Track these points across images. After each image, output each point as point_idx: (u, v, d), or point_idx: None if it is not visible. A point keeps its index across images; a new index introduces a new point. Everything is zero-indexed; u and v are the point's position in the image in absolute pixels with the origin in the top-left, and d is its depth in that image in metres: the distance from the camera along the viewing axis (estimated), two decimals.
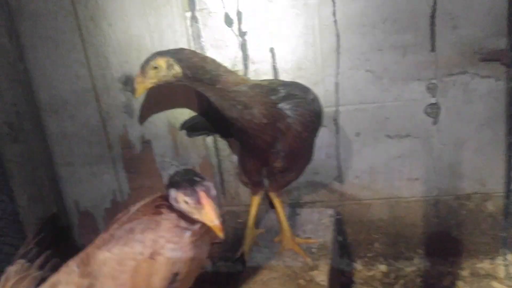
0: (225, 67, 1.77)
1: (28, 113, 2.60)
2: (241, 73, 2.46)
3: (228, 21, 2.38)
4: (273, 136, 1.91)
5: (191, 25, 2.41)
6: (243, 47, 2.42)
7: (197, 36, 2.43)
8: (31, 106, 2.62)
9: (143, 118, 2.63)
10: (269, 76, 2.46)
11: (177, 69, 1.72)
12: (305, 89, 1.99)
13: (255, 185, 2.30)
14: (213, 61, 1.76)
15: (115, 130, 2.66)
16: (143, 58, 2.41)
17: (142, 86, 1.77)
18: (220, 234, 1.46)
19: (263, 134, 1.90)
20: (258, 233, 2.44)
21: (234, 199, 2.76)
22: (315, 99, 1.99)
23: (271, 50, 2.42)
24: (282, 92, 1.89)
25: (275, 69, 2.44)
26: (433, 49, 2.32)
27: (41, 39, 2.52)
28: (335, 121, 2.50)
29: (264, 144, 1.94)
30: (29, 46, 2.55)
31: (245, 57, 2.44)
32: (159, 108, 2.58)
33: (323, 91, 2.45)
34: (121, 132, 2.66)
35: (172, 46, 2.42)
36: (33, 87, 2.62)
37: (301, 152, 2.07)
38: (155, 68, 1.72)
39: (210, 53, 2.44)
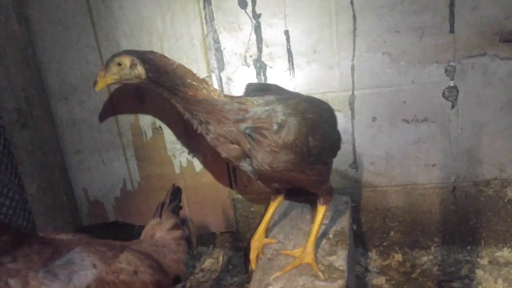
0: (194, 78, 1.74)
1: (37, 98, 2.55)
2: (255, 56, 2.41)
3: (242, 3, 2.33)
4: (238, 156, 1.85)
5: (204, 8, 2.36)
6: (257, 29, 2.37)
7: (210, 18, 2.38)
8: (40, 91, 2.57)
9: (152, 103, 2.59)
10: (283, 59, 2.41)
11: (140, 70, 1.74)
12: (284, 112, 1.77)
13: (272, 190, 2.28)
14: (183, 69, 1.74)
15: (125, 116, 2.61)
16: (155, 42, 2.44)
17: (103, 81, 1.81)
18: None
19: (222, 151, 1.86)
20: (267, 242, 2.28)
21: (246, 187, 2.71)
22: (289, 128, 1.75)
23: (286, 32, 2.36)
24: (249, 114, 1.77)
25: (289, 52, 2.39)
26: (452, 30, 2.27)
27: (50, 23, 2.47)
28: (351, 105, 2.44)
29: (229, 159, 1.90)
30: (38, 31, 2.50)
31: (259, 40, 2.39)
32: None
33: (338, 75, 2.40)
34: (132, 119, 2.61)
35: (184, 29, 2.38)
36: (42, 72, 2.57)
37: (285, 176, 1.86)
38: (119, 64, 1.76)
39: (223, 36, 2.39)
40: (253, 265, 2.19)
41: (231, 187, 2.72)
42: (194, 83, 1.73)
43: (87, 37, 2.48)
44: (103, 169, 2.74)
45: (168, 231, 1.88)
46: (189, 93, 1.72)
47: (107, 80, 1.81)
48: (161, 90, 1.77)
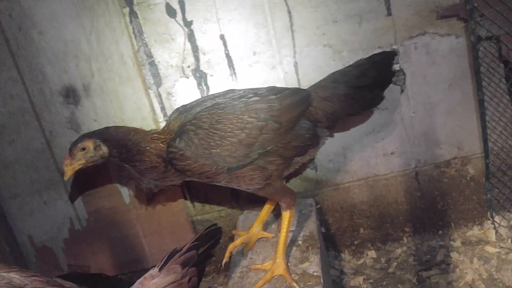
0: (148, 141, 1.88)
1: None
2: (193, 66, 2.29)
3: (171, 12, 2.21)
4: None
5: (131, 21, 2.22)
6: (191, 37, 2.25)
7: (138, 32, 2.23)
8: None
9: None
10: (223, 66, 2.29)
11: (104, 150, 1.86)
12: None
13: None
14: (138, 135, 1.88)
15: (62, 149, 2.40)
16: (82, 65, 2.27)
17: (71, 168, 1.87)
18: None
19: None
20: (263, 236, 2.22)
21: (204, 207, 2.55)
22: (185, 141, 1.81)
23: (222, 37, 2.25)
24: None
25: (228, 57, 2.28)
26: (389, 13, 2.23)
27: None
28: None
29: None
30: None
31: (195, 49, 2.26)
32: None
33: (282, 74, 2.31)
34: None
35: (113, 47, 2.24)
36: None
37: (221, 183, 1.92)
38: (83, 149, 1.85)
39: (156, 49, 2.25)
40: (226, 255, 2.17)
41: (188, 209, 2.55)
42: (147, 147, 1.86)
43: (8, 70, 2.28)
44: (46, 210, 2.51)
45: None
46: (146, 160, 1.86)
47: (75, 167, 1.87)
48: (122, 162, 1.90)
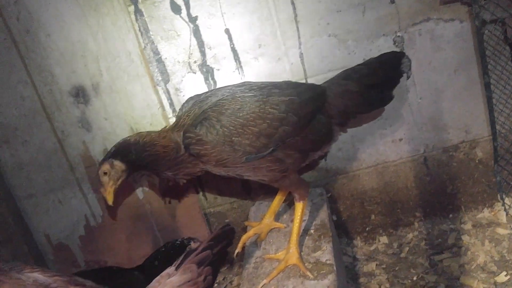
0: (156, 139, 1.90)
1: None
2: (199, 61, 2.31)
3: (175, 8, 2.22)
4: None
5: (137, 19, 2.24)
6: (196, 33, 2.26)
7: (144, 30, 2.25)
8: None
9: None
10: (229, 60, 2.31)
11: (119, 165, 1.90)
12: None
13: None
14: (147, 137, 1.90)
15: (74, 149, 2.44)
16: (91, 64, 2.29)
17: (109, 194, 1.94)
18: None
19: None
20: (275, 226, 2.26)
21: (216, 199, 2.59)
22: (207, 128, 1.81)
23: (227, 31, 2.27)
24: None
25: (234, 50, 2.30)
26: (392, 0, 2.23)
27: None
28: None
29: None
30: None
31: (200, 44, 2.28)
32: None
33: (288, 66, 2.32)
34: (81, 150, 2.44)
35: (120, 45, 2.26)
36: None
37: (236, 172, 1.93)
38: (105, 173, 1.90)
39: (162, 46, 2.27)
40: (239, 246, 2.19)
41: (201, 202, 2.58)
42: (158, 143, 1.88)
43: (18, 73, 2.30)
44: (61, 209, 2.55)
45: None
46: (155, 153, 1.87)
47: (110, 191, 1.93)
48: (144, 168, 1.96)
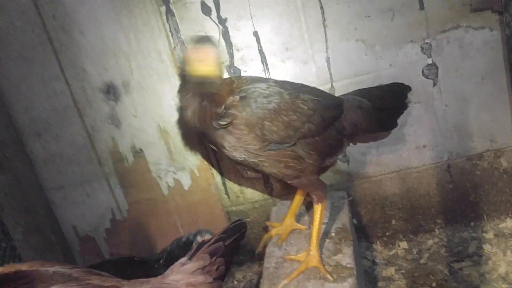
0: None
1: (9, 139, 2.43)
2: (227, 62, 2.35)
3: (206, 10, 2.27)
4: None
5: (168, 20, 2.29)
6: (225, 35, 2.30)
7: (175, 30, 2.30)
8: (11, 131, 2.46)
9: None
10: (256, 62, 2.34)
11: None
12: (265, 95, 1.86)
13: None
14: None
15: (103, 144, 2.51)
16: (122, 62, 2.35)
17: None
18: None
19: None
20: (296, 227, 2.29)
21: (239, 198, 2.63)
22: (244, 106, 1.82)
23: (255, 33, 2.30)
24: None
25: (261, 53, 2.33)
26: (421, 7, 2.23)
27: (10, 59, 2.36)
28: None
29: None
30: (0, 69, 2.40)
31: (229, 45, 2.32)
32: None
33: (314, 69, 2.34)
34: (110, 145, 2.51)
35: (151, 45, 2.31)
36: (11, 111, 2.46)
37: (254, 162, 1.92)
38: None
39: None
40: (261, 245, 2.29)
41: (223, 200, 2.63)
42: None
43: (52, 68, 2.38)
44: (89, 202, 2.63)
45: (188, 275, 1.62)
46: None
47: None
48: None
